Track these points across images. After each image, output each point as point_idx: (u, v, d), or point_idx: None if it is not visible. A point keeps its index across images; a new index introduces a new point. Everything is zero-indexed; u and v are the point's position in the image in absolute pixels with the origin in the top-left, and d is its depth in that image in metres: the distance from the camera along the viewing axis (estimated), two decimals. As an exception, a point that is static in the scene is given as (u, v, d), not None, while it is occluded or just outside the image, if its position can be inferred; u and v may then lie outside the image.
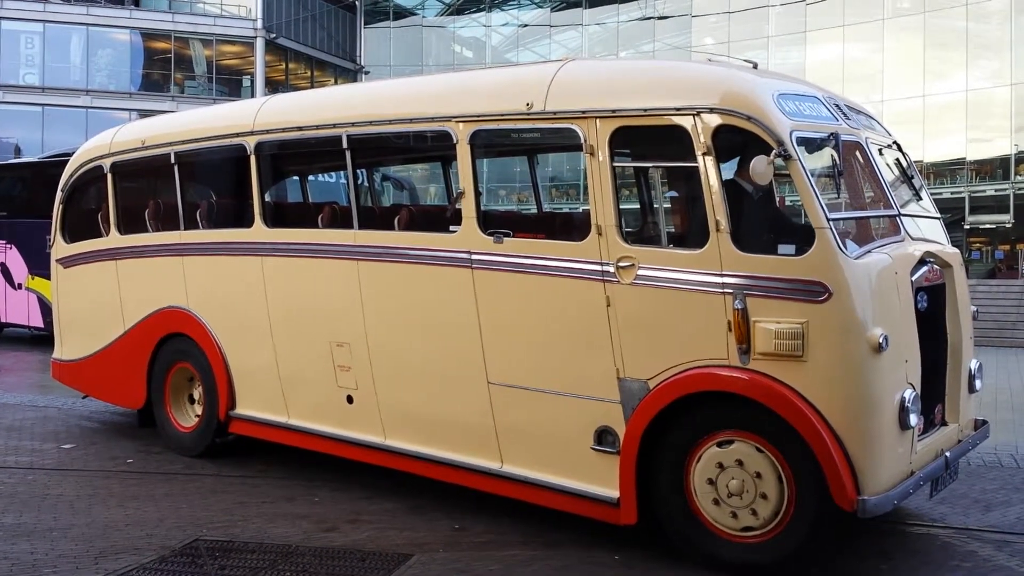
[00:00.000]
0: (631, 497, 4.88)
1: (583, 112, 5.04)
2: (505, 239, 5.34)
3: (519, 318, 5.29)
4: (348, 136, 6.12)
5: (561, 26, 44.77)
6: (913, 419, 4.59)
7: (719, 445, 4.70)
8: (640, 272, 4.83)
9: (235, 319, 6.89)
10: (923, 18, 36.41)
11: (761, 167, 4.44)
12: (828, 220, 4.42)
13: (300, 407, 6.54)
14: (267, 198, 6.94)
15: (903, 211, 5.16)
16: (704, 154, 4.63)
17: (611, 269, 4.91)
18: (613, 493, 4.96)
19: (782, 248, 4.68)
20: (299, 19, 42.64)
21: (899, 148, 5.68)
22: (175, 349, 7.33)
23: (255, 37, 40.55)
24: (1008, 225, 35.11)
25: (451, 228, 5.67)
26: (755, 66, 5.27)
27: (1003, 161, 35.52)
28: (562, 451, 5.18)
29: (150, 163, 7.66)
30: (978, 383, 5.49)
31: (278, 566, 4.95)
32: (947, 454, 5.00)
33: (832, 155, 4.73)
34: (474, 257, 5.41)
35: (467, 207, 5.47)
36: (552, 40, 45.13)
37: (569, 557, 5.12)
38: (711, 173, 4.62)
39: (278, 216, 6.97)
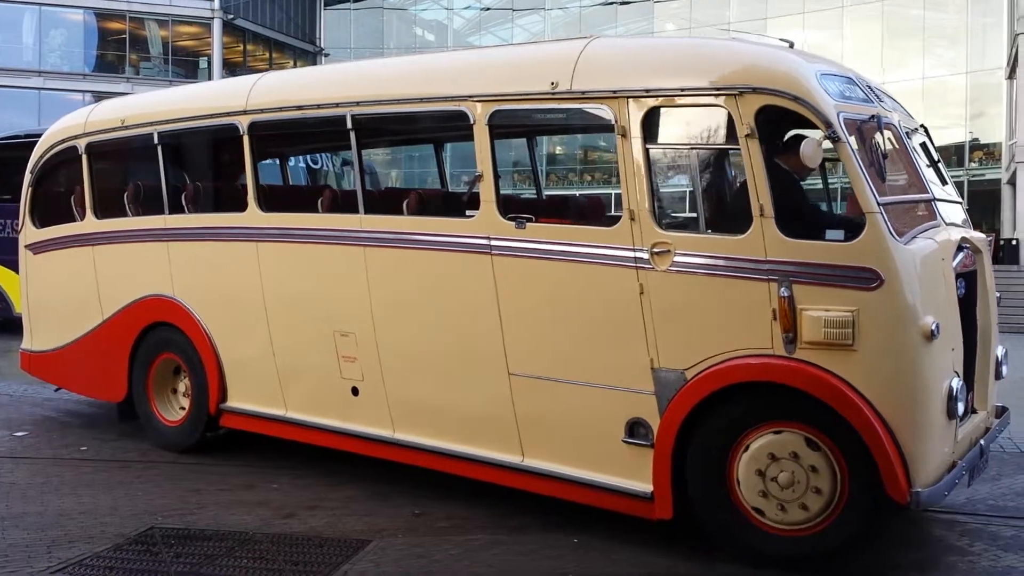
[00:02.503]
0: (667, 491, 4.73)
1: (614, 92, 4.86)
2: (528, 224, 5.14)
3: (543, 307, 5.11)
4: (353, 116, 5.87)
5: (523, 10, 44.58)
6: (960, 408, 4.53)
7: (767, 437, 4.57)
8: (677, 259, 4.67)
9: (227, 308, 6.63)
10: (881, 6, 36.79)
11: (811, 150, 4.34)
12: (879, 204, 4.31)
13: (299, 399, 6.30)
14: (261, 181, 6.63)
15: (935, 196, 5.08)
16: (747, 136, 4.47)
17: (645, 255, 4.75)
18: (646, 487, 4.81)
19: (830, 233, 4.54)
20: (257, 0, 42.04)
21: (926, 132, 5.61)
22: (159, 339, 7.04)
23: (212, 18, 39.91)
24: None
25: (467, 213, 5.44)
26: (791, 46, 5.11)
27: (958, 148, 36.05)
28: (589, 444, 5.03)
29: (131, 144, 7.38)
30: (1004, 369, 5.45)
31: (235, 553, 4.90)
32: (981, 442, 4.95)
33: (876, 138, 4.63)
34: (494, 243, 5.22)
35: (486, 191, 5.27)
36: (514, 24, 44.94)
37: (530, 542, 5.13)
38: (754, 156, 4.47)
39: (273, 200, 6.71)
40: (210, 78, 37.31)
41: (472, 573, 4.71)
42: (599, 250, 4.90)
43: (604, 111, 4.90)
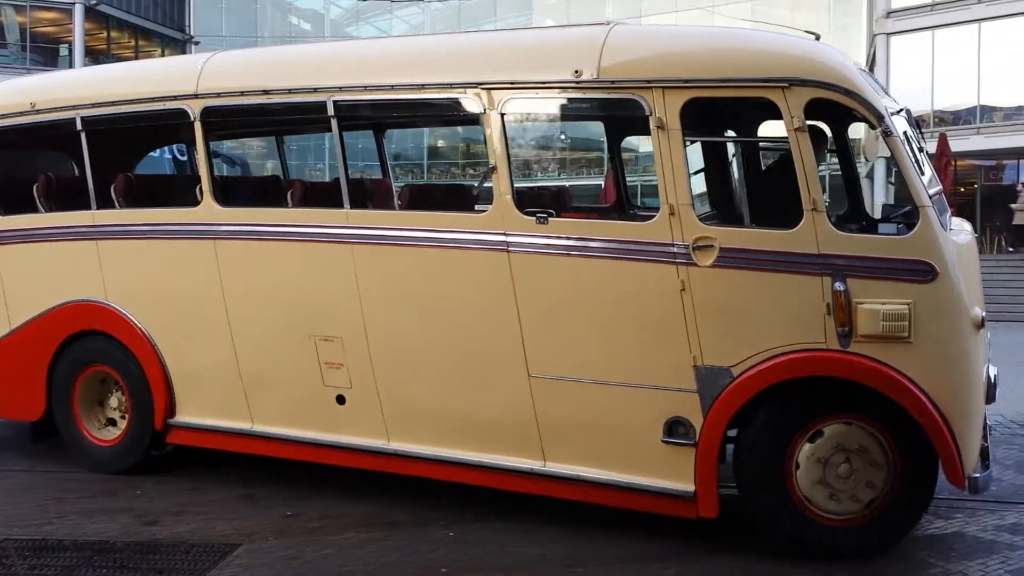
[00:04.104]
0: (712, 489, 4.71)
1: (648, 81, 4.73)
2: (550, 219, 4.96)
3: (569, 305, 4.94)
4: (335, 102, 5.50)
5: (402, 1, 44.23)
6: (995, 394, 4.76)
7: (829, 429, 4.64)
8: (721, 254, 4.60)
9: (177, 314, 6.08)
10: (750, 6, 38.10)
11: (871, 144, 4.45)
12: (930, 198, 4.42)
13: (269, 411, 5.86)
14: (215, 172, 6.20)
15: None
16: (797, 129, 4.46)
17: (686, 251, 4.65)
18: (687, 487, 4.75)
19: (882, 227, 4.66)
20: (123, -15, 40.29)
21: (919, 127, 5.77)
22: (87, 350, 6.41)
23: (74, 3, 37.99)
24: (825, 204, 37.47)
25: (476, 208, 5.24)
26: (817, 38, 5.10)
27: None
28: (622, 445, 4.91)
29: (44, 130, 6.69)
30: (990, 351, 5.64)
31: (94, 563, 4.75)
32: (989, 424, 5.20)
33: (908, 131, 4.76)
34: (511, 240, 4.99)
35: (501, 184, 5.04)
36: (393, 15, 44.52)
37: (405, 537, 5.14)
38: (804, 149, 4.47)
39: (231, 193, 6.21)
40: (71, 66, 35.54)
41: (345, 572, 4.68)
42: (634, 246, 4.77)
43: (638, 101, 4.77)
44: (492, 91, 5.07)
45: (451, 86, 5.25)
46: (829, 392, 4.63)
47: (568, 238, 4.93)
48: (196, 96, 5.92)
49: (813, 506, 4.70)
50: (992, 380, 4.79)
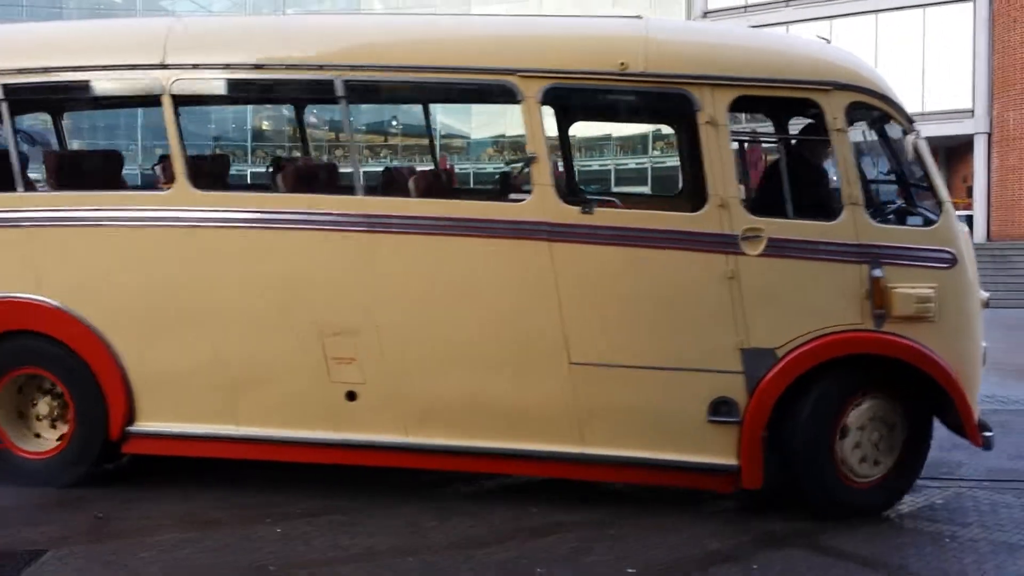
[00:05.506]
0: (759, 463, 5.04)
1: (697, 77, 4.94)
2: (596, 209, 5.05)
3: (615, 294, 5.09)
4: (346, 82, 5.22)
5: (223, -23, 42.48)
6: (986, 363, 5.37)
7: (867, 402, 5.14)
8: (770, 243, 4.93)
9: (140, 310, 5.49)
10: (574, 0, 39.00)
11: (908, 145, 4.96)
12: (948, 193, 4.96)
13: (260, 412, 5.42)
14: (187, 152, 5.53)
15: None
16: (839, 130, 4.91)
17: (735, 240, 4.91)
18: (730, 461, 5.05)
19: (910, 220, 5.20)
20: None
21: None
22: (15, 351, 5.67)
23: None
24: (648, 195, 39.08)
25: (511, 196, 5.33)
26: (828, 43, 5.50)
27: (643, 138, 39.16)
28: (664, 426, 5.12)
29: None
30: None
31: None
32: None
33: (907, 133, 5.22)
34: (554, 229, 5.02)
35: (541, 173, 5.06)
36: (216, -9, 42.75)
37: (227, 536, 4.99)
38: (846, 148, 4.94)
39: (206, 175, 5.70)
40: None
41: (164, 575, 4.48)
42: (683, 235, 5.01)
43: (688, 96, 4.98)
44: (532, 78, 5.09)
45: (486, 71, 5.23)
46: (861, 369, 5.11)
47: (615, 228, 5.08)
48: (165, 67, 5.38)
49: (849, 471, 5.18)
50: (985, 353, 5.41)
